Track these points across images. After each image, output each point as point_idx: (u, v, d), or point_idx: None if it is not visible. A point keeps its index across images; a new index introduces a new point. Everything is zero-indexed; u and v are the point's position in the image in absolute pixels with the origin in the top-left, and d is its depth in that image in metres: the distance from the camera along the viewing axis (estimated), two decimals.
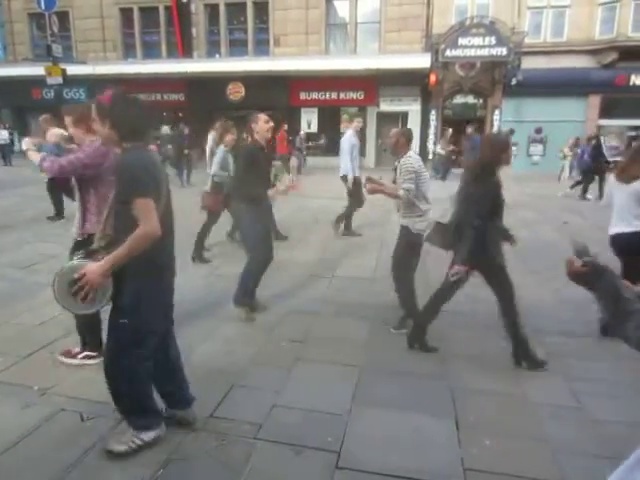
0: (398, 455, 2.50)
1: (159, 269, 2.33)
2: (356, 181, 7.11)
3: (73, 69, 13.48)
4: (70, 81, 12.79)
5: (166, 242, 2.32)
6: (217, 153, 5.90)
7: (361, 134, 17.57)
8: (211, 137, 7.72)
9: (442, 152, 15.22)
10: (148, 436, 2.44)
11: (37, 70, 12.87)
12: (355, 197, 7.22)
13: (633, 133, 17.44)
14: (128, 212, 2.15)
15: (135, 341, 2.31)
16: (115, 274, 2.21)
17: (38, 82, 13.72)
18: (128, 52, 20.45)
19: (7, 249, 6.21)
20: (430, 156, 17.69)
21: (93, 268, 2.17)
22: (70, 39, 20.44)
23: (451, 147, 15.49)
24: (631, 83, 16.43)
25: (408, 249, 3.91)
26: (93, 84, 19.36)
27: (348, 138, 7.20)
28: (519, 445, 2.60)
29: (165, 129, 18.14)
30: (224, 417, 2.76)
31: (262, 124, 4.10)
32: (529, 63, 16.08)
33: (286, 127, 15.32)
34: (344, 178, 7.19)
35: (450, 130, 15.79)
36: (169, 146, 15.02)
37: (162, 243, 2.24)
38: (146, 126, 2.46)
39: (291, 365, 3.39)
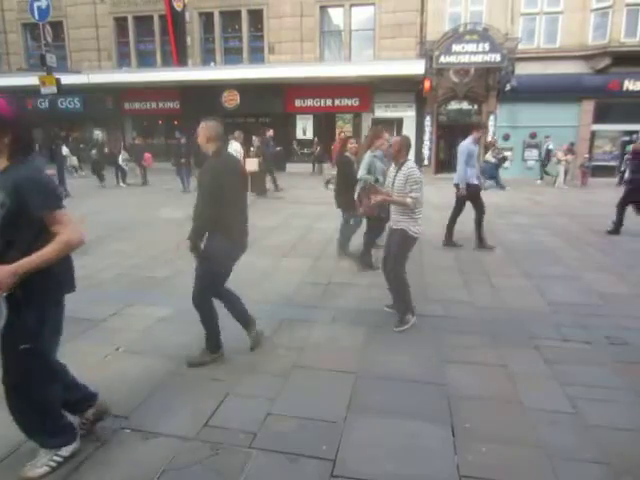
0: (394, 463, 2.47)
1: (62, 288, 2.24)
2: (475, 189, 6.96)
3: (68, 78, 13.48)
4: (65, 91, 12.74)
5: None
6: (364, 158, 5.75)
7: (355, 141, 17.44)
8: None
9: (492, 160, 14.95)
10: (67, 450, 2.39)
11: (31, 80, 12.85)
12: (477, 205, 7.03)
13: (627, 138, 17.59)
14: (30, 225, 2.05)
15: (41, 366, 2.20)
16: (13, 294, 2.04)
17: (32, 92, 13.68)
18: (123, 61, 20.50)
19: None
20: (425, 162, 17.80)
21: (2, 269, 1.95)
22: (64, 49, 20.50)
23: (502, 154, 15.37)
24: (624, 88, 16.54)
25: (404, 250, 4.13)
26: (87, 93, 19.47)
27: (467, 145, 6.90)
28: (515, 451, 2.57)
29: (97, 133, 18.36)
30: (218, 426, 2.72)
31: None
32: (523, 69, 16.20)
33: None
34: (457, 186, 6.98)
35: (495, 138, 15.86)
36: (93, 151, 15.67)
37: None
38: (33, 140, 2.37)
39: (287, 373, 3.36)
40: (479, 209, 7.04)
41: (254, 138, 12.65)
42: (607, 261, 6.49)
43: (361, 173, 5.68)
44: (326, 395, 3.09)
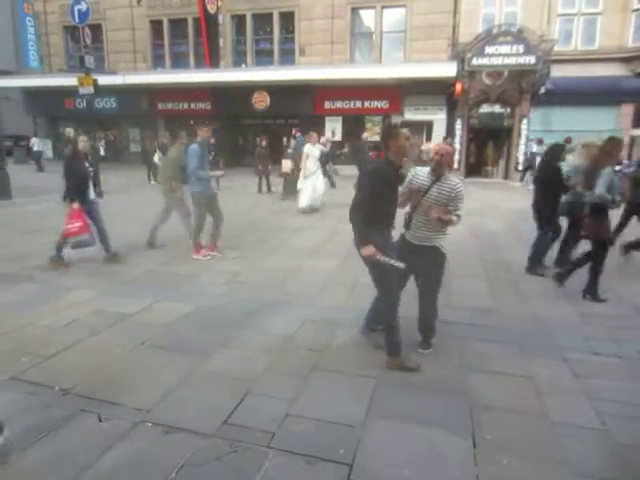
0: (412, 471, 2.44)
1: None
2: None
3: (104, 79, 13.90)
4: (101, 91, 13.16)
5: None
6: (603, 174, 5.00)
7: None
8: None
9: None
10: None
11: (70, 81, 13.31)
12: None
13: None
14: None
15: None
16: None
17: (71, 92, 14.17)
18: (157, 62, 20.99)
19: (36, 253, 6.37)
20: (455, 166, 17.52)
21: None
22: (102, 50, 21.15)
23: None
24: None
25: (441, 269, 3.71)
26: (123, 94, 20.01)
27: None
28: (538, 466, 2.50)
29: (68, 131, 19.54)
30: (238, 424, 2.75)
31: (403, 141, 3.34)
32: (559, 71, 15.77)
33: None
34: None
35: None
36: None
37: None
38: None
39: (307, 374, 3.36)
40: None
41: (291, 140, 12.79)
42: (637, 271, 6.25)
43: (600, 190, 4.96)
44: (346, 399, 3.07)
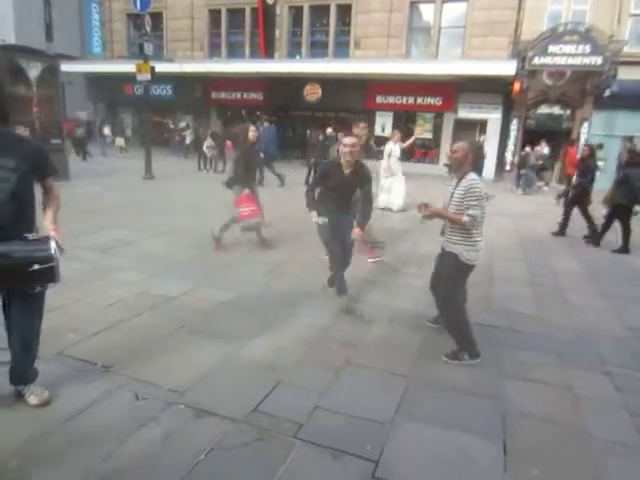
0: (438, 473, 2.41)
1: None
2: None
3: (161, 67, 14.27)
4: (158, 78, 13.54)
5: None
6: None
7: (435, 141, 17.17)
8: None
9: None
10: None
11: (130, 67, 13.78)
12: None
13: None
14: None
15: None
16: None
17: (130, 79, 14.67)
18: (214, 52, 21.39)
19: (87, 233, 6.67)
20: (507, 167, 16.97)
21: None
22: (162, 38, 21.75)
23: None
24: None
25: (456, 276, 3.58)
26: (179, 81, 20.56)
27: None
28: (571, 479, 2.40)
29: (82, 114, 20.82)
30: (267, 412, 2.79)
31: (342, 147, 4.24)
32: (627, 74, 14.86)
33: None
34: None
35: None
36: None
37: None
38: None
39: (339, 368, 3.36)
40: None
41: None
42: None
43: None
44: (376, 395, 3.06)
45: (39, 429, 2.54)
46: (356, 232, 4.37)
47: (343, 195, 4.43)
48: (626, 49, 14.88)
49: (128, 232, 6.88)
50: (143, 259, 5.70)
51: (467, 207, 3.33)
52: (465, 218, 3.33)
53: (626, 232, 7.48)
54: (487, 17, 16.69)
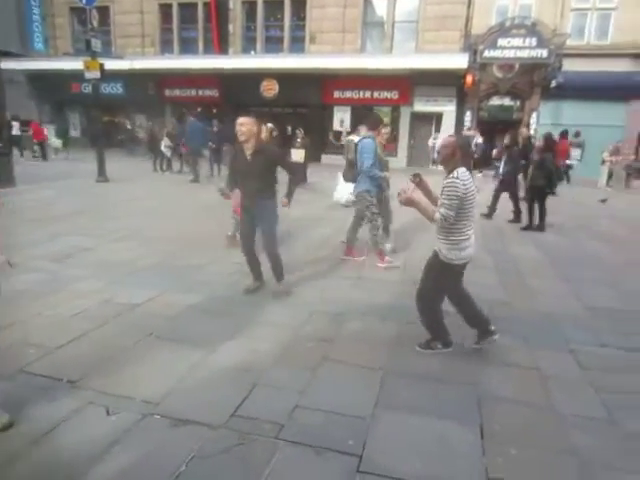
0: (421, 461, 2.44)
1: None
2: None
3: (111, 64, 13.77)
4: (108, 76, 13.04)
5: None
6: None
7: (393, 134, 17.41)
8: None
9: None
10: None
11: (76, 64, 13.22)
12: None
13: None
14: None
15: None
16: None
17: (77, 76, 14.07)
18: (165, 48, 20.84)
19: (41, 241, 6.36)
20: None
21: None
22: (110, 34, 20.97)
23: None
24: None
25: (436, 275, 3.48)
26: (130, 79, 19.90)
27: None
28: (546, 456, 2.51)
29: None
30: (246, 416, 2.74)
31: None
32: (570, 65, 15.60)
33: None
34: None
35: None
36: None
37: None
38: None
39: (315, 366, 3.35)
40: None
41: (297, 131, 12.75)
42: None
43: None
44: (354, 390, 3.08)
45: (2, 457, 2.37)
46: (283, 202, 4.48)
47: (251, 180, 4.33)
48: (569, 42, 15.58)
49: (85, 238, 6.61)
50: (103, 266, 5.48)
51: (440, 205, 3.22)
52: (436, 215, 3.21)
53: (542, 212, 8.21)
54: (439, 11, 17.04)
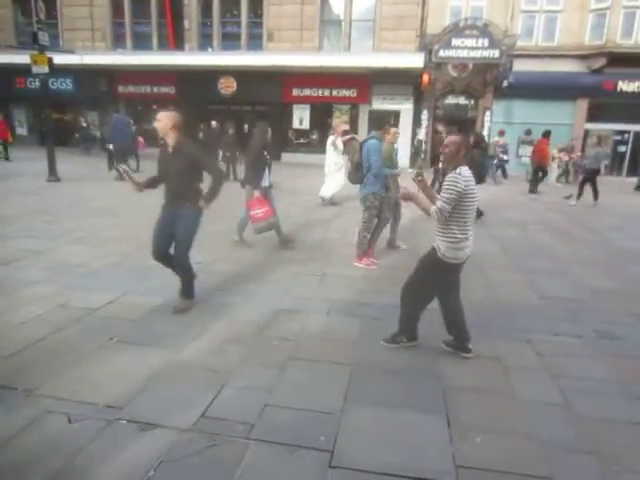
0: (391, 453, 2.49)
1: None
2: None
3: (60, 58, 13.15)
4: (56, 71, 12.45)
5: None
6: None
7: (353, 132, 17.34)
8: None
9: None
10: None
11: (22, 58, 12.56)
12: None
13: (619, 137, 17.76)
14: None
15: None
16: None
17: (22, 71, 13.36)
18: (118, 43, 20.10)
19: None
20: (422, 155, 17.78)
21: None
22: (57, 27, 20.02)
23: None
24: (618, 89, 16.69)
25: (425, 271, 3.46)
26: (80, 74, 19.11)
27: None
28: (509, 442, 2.62)
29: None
30: (216, 417, 2.71)
31: None
32: (521, 66, 16.20)
33: None
34: None
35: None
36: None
37: None
38: None
39: (283, 364, 3.35)
40: None
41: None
42: (595, 257, 6.57)
43: None
44: (323, 386, 3.09)
45: None
46: (201, 204, 4.10)
47: (172, 179, 4.04)
48: (519, 43, 16.19)
49: (37, 241, 6.32)
50: (58, 269, 5.25)
51: (439, 198, 3.21)
52: (432, 208, 3.22)
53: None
54: (395, 11, 17.29)
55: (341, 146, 9.43)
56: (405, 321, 3.66)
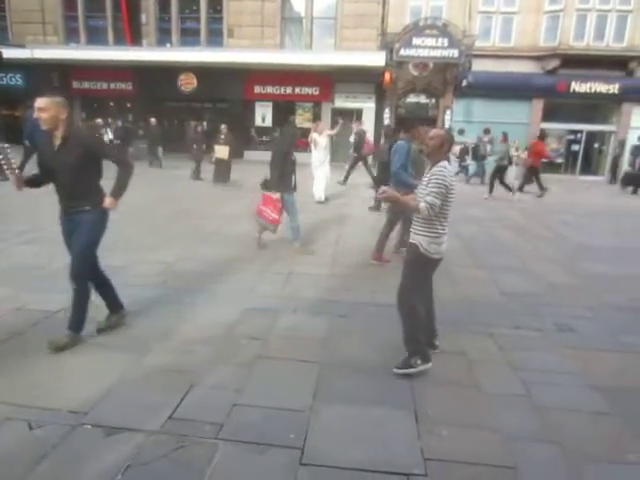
0: (360, 449, 2.52)
1: None
2: None
3: (9, 52, 12.59)
4: (5, 65, 11.88)
5: None
6: None
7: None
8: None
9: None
10: None
11: None
12: None
13: (572, 136, 18.53)
14: None
15: None
16: None
17: None
18: (71, 37, 19.32)
19: None
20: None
21: None
22: (5, 19, 19.08)
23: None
24: (571, 90, 17.36)
25: (415, 271, 3.34)
26: (31, 69, 18.29)
27: None
28: (474, 434, 2.69)
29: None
30: (184, 418, 2.67)
31: None
32: (479, 66, 16.62)
33: None
34: None
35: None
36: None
37: None
38: None
39: (251, 363, 3.33)
40: None
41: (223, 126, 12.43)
42: (554, 253, 6.84)
43: None
44: (291, 384, 3.10)
45: None
46: (107, 202, 3.37)
47: (62, 179, 3.31)
48: (477, 43, 16.60)
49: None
50: (10, 272, 5.03)
51: (428, 193, 3.09)
52: (422, 204, 3.07)
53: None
54: (356, 9, 17.40)
55: (322, 142, 9.51)
56: (411, 339, 3.34)
